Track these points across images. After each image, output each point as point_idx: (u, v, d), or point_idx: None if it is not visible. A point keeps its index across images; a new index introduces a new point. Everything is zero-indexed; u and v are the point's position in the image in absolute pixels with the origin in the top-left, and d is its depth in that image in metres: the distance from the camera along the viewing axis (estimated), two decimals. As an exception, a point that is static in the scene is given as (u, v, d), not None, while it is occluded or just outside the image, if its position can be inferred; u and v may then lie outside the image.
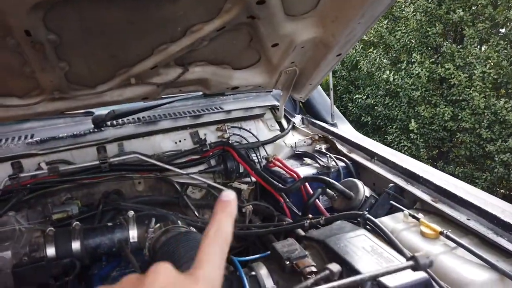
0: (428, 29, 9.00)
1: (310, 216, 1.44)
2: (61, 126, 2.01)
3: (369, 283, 0.88)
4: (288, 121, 2.37)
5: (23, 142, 1.84)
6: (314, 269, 0.98)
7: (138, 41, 1.33)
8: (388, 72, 9.47)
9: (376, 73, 9.97)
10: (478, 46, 8.87)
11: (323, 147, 2.08)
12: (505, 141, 7.88)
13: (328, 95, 2.42)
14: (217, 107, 2.23)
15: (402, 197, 1.58)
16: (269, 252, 1.13)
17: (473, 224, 1.28)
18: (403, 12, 9.62)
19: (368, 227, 1.25)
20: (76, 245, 1.33)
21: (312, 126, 2.34)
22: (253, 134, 2.19)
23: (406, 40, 9.41)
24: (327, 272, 0.88)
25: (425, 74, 8.74)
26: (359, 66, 10.69)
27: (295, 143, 2.17)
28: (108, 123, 1.98)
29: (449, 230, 1.24)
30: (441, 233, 1.23)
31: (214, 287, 0.41)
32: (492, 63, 8.25)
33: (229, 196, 0.47)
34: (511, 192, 8.76)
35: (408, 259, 0.80)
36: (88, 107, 1.71)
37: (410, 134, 9.01)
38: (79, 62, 1.35)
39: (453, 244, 1.21)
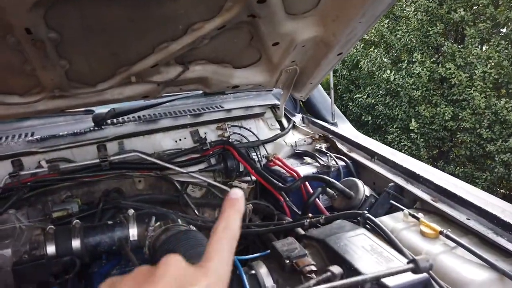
0: (429, 28, 8.99)
1: (310, 215, 1.44)
2: (62, 124, 2.01)
3: (369, 283, 0.88)
4: (289, 120, 2.37)
5: (24, 140, 1.85)
6: (314, 268, 0.98)
7: (139, 39, 1.33)
8: (388, 71, 9.47)
9: (377, 73, 9.97)
10: (479, 46, 8.86)
11: (323, 146, 2.08)
12: (506, 141, 7.88)
13: (329, 94, 2.42)
14: (218, 105, 2.23)
15: (402, 196, 1.58)
16: (269, 251, 1.13)
17: (473, 223, 1.28)
18: (404, 11, 9.62)
19: (368, 226, 1.25)
20: (76, 243, 1.33)
21: (313, 125, 2.34)
22: (253, 133, 2.19)
23: (407, 40, 9.41)
24: (328, 274, 0.89)
25: (425, 74, 8.74)
26: (359, 66, 10.69)
27: (295, 142, 2.17)
28: (109, 121, 1.98)
29: (449, 230, 1.24)
30: (441, 232, 1.23)
31: (223, 280, 0.42)
32: (493, 63, 8.25)
33: (237, 194, 0.48)
34: (511, 192, 8.76)
35: (408, 262, 0.80)
36: (89, 105, 1.71)
37: (411, 134, 9.01)
38: (80, 60, 1.35)
39: (452, 244, 1.21)
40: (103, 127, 1.97)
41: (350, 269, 0.94)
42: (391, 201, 1.54)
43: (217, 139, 2.10)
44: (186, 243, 1.18)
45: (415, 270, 0.79)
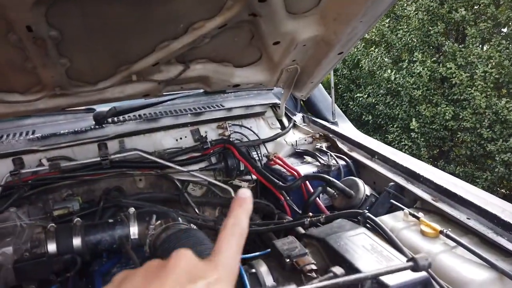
0: (430, 28, 8.97)
1: (310, 214, 1.44)
2: (62, 123, 2.02)
3: (369, 281, 0.88)
4: (289, 119, 2.37)
5: (25, 138, 1.85)
6: (314, 267, 0.98)
7: (140, 37, 1.33)
8: (389, 71, 9.46)
9: (378, 72, 9.95)
10: (480, 46, 8.85)
11: (323, 145, 2.08)
12: (506, 141, 7.87)
13: (329, 93, 2.42)
14: (218, 104, 2.23)
15: (402, 196, 1.58)
16: (269, 249, 1.13)
17: (473, 223, 1.28)
18: (405, 11, 9.60)
19: (368, 225, 1.25)
20: (77, 241, 1.34)
21: (313, 125, 2.34)
22: (254, 132, 2.19)
23: (408, 39, 9.39)
24: (330, 274, 0.89)
25: (426, 73, 8.73)
26: (360, 65, 10.67)
27: (296, 141, 2.17)
28: (109, 120, 1.99)
29: (449, 229, 1.24)
30: (441, 232, 1.24)
31: (232, 274, 0.43)
32: (493, 63, 8.24)
33: (245, 193, 0.49)
34: (511, 191, 8.76)
35: (408, 260, 0.81)
36: (89, 104, 1.71)
37: (411, 133, 9.01)
38: (81, 59, 1.35)
39: (453, 243, 1.21)
40: (104, 125, 1.98)
41: (350, 268, 0.94)
42: (391, 201, 1.54)
43: (218, 138, 2.10)
44: (187, 242, 1.18)
45: (414, 268, 0.79)
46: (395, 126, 9.61)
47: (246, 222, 0.47)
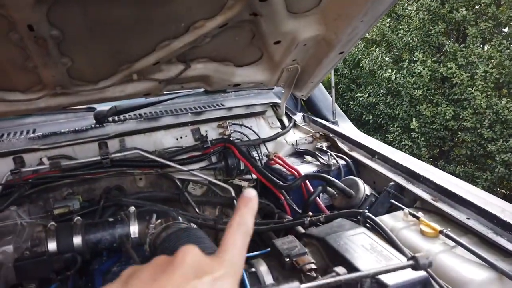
0: (431, 28, 8.96)
1: (310, 213, 1.45)
2: (63, 122, 2.02)
3: (368, 280, 0.88)
4: (290, 118, 2.38)
5: (25, 137, 1.85)
6: (313, 266, 0.98)
7: (141, 37, 1.33)
8: (390, 70, 9.44)
9: (378, 72, 9.94)
10: (481, 46, 8.83)
11: (324, 145, 2.09)
12: (506, 141, 7.86)
13: (330, 93, 2.42)
14: (219, 104, 2.23)
15: (402, 195, 1.58)
16: (269, 249, 1.13)
17: (472, 223, 1.28)
18: (406, 10, 9.59)
19: (368, 225, 1.25)
20: (77, 240, 1.34)
21: (313, 124, 2.34)
22: (254, 132, 2.19)
23: (409, 39, 9.38)
24: (333, 274, 0.89)
25: (427, 73, 8.72)
26: (361, 64, 10.66)
27: (296, 140, 2.17)
28: (110, 119, 1.99)
29: (449, 229, 1.24)
30: (440, 232, 1.24)
31: (237, 271, 0.44)
32: (494, 63, 8.22)
33: (251, 193, 0.50)
34: (511, 192, 8.76)
35: (408, 259, 0.81)
36: (90, 103, 1.71)
37: (411, 133, 9.00)
38: (82, 58, 1.36)
39: (452, 243, 1.21)
40: (104, 124, 1.98)
41: (350, 268, 0.95)
42: (391, 200, 1.54)
43: (218, 137, 2.10)
44: (187, 241, 1.19)
45: (414, 267, 0.79)
46: (395, 125, 9.60)
47: (251, 221, 0.48)
